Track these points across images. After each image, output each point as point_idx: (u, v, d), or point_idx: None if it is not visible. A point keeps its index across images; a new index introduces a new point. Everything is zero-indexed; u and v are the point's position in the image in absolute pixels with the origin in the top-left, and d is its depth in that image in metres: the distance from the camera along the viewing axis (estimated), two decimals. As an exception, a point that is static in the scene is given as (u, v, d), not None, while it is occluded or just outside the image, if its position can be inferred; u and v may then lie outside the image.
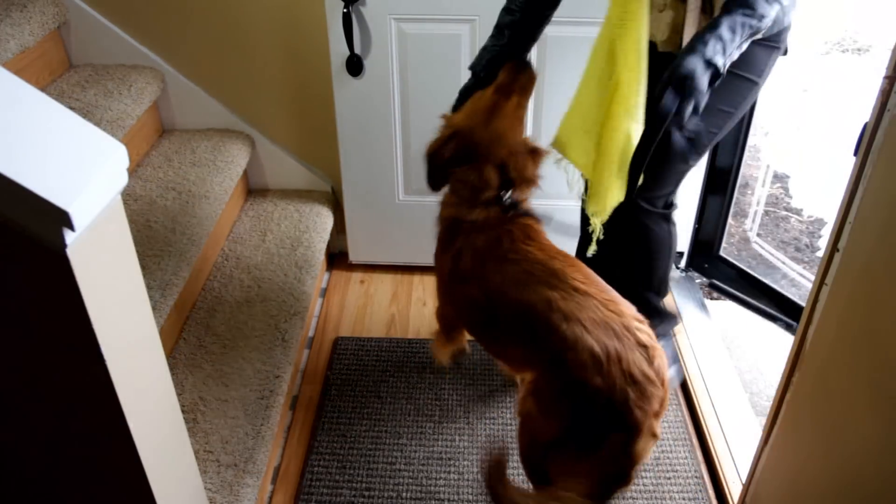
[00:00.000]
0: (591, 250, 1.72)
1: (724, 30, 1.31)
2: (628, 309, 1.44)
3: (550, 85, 2.20)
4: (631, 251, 1.88)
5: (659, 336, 1.83)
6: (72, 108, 1.89)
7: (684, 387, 2.14)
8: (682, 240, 2.57)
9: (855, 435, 1.13)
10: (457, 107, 1.72)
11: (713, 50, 1.29)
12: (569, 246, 1.78)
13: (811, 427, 1.29)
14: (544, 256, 1.50)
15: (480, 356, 2.21)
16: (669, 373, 1.47)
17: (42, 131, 0.95)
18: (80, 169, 0.92)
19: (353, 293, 2.53)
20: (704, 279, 2.50)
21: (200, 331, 2.01)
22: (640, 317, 1.44)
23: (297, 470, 1.89)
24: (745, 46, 1.35)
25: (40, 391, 1.07)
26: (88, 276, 0.93)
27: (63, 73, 2.32)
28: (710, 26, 1.33)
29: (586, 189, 1.65)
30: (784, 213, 2.98)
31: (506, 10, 1.67)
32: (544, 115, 2.25)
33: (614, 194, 1.51)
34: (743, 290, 2.43)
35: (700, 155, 1.71)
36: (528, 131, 2.25)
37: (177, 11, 2.29)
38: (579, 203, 1.88)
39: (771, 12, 1.35)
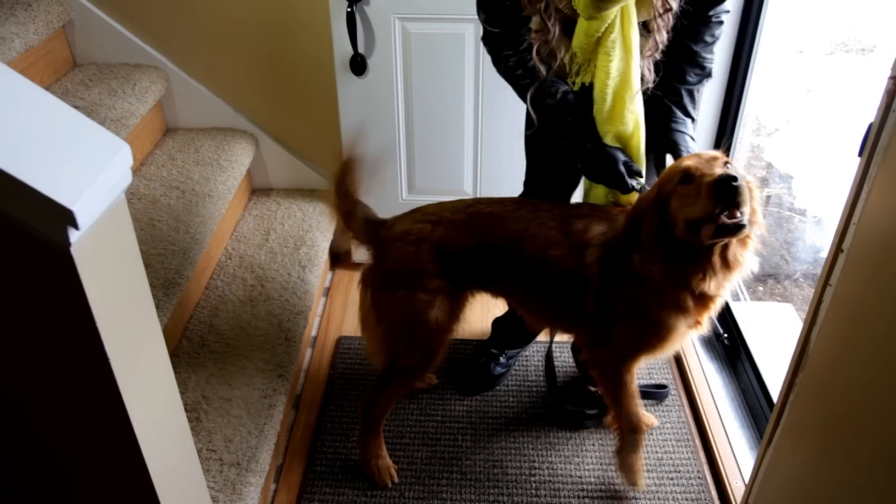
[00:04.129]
0: None
1: (691, 108, 1.60)
2: None
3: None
4: None
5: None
6: (76, 107, 1.90)
7: (687, 387, 2.14)
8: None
9: (860, 437, 1.13)
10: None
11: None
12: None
13: (815, 428, 1.29)
14: None
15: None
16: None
17: (46, 130, 0.95)
18: (85, 167, 0.92)
19: (356, 292, 2.51)
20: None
21: (203, 329, 2.01)
22: None
23: (299, 469, 1.89)
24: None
25: (43, 389, 1.07)
26: (92, 274, 0.94)
27: (67, 71, 2.32)
28: (678, 105, 1.59)
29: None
30: (788, 213, 2.97)
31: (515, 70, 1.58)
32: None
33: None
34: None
35: None
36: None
37: (181, 11, 2.30)
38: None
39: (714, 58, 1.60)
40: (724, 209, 1.32)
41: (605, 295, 1.56)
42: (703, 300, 1.51)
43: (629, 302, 1.55)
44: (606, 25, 1.43)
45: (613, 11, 1.42)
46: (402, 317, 1.67)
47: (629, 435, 1.74)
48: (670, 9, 1.45)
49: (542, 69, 1.55)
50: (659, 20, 1.46)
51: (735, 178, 1.30)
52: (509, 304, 1.93)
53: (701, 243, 1.39)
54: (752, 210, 1.41)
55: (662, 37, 1.49)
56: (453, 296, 1.67)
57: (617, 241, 1.53)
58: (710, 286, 1.45)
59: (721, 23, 1.58)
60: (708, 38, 1.57)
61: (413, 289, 1.63)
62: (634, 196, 1.62)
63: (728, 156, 1.45)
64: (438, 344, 1.70)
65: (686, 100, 1.60)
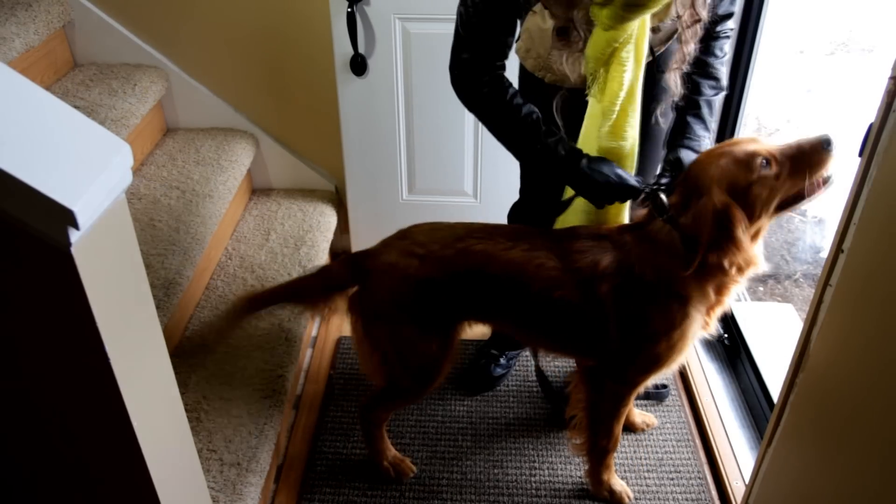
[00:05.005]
0: None
1: (710, 120, 1.60)
2: None
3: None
4: None
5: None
6: (76, 107, 1.90)
7: (687, 387, 2.14)
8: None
9: (860, 438, 1.13)
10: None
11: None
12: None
13: (815, 429, 1.29)
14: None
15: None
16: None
17: (47, 130, 0.95)
18: (85, 168, 0.92)
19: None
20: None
21: (204, 330, 2.01)
22: None
23: (300, 469, 1.89)
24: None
25: (44, 389, 1.07)
26: (93, 274, 0.94)
27: (68, 72, 2.32)
28: (697, 118, 1.58)
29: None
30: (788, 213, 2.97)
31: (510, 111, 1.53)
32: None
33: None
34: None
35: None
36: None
37: (181, 10, 2.30)
38: None
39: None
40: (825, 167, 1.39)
41: (628, 321, 1.52)
42: (719, 292, 1.52)
43: (658, 318, 1.51)
44: (625, 36, 1.43)
45: (635, 22, 1.41)
46: (396, 347, 1.63)
47: (601, 458, 1.74)
48: (699, 20, 1.44)
49: (515, 95, 1.53)
50: (688, 31, 1.46)
51: (830, 137, 1.38)
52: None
53: (778, 216, 1.45)
54: None
55: (690, 48, 1.49)
56: (444, 328, 1.63)
57: (631, 266, 1.49)
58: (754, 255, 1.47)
59: (728, 37, 1.60)
60: (718, 53, 1.59)
61: (403, 322, 1.59)
62: (621, 214, 1.61)
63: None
64: (435, 372, 1.66)
65: (705, 111, 1.61)
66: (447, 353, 1.65)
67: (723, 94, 1.63)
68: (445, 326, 1.63)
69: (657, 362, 1.56)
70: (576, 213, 1.65)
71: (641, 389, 1.67)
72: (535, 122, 1.51)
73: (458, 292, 1.57)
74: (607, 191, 1.51)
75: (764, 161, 1.40)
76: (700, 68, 1.59)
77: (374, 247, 1.66)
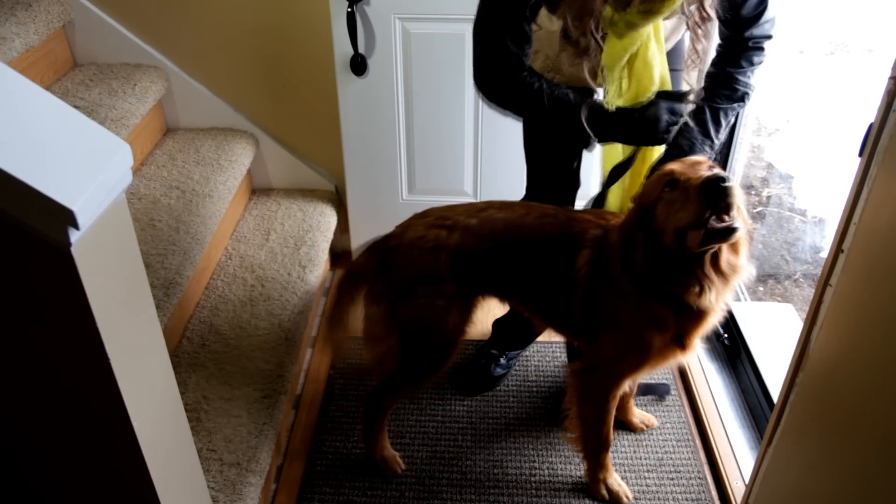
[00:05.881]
0: None
1: (712, 130, 1.54)
2: None
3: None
4: None
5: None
6: (76, 107, 1.90)
7: (687, 387, 2.14)
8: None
9: (861, 437, 1.13)
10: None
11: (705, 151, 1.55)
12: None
13: (815, 429, 1.29)
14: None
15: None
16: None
17: (47, 130, 0.95)
18: (85, 168, 0.92)
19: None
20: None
21: (204, 329, 2.01)
22: None
23: (299, 469, 1.89)
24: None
25: (44, 389, 1.07)
26: (93, 274, 0.94)
27: (68, 71, 2.32)
28: (700, 125, 1.53)
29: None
30: (788, 213, 2.97)
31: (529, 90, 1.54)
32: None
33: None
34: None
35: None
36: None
37: (181, 10, 2.30)
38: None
39: (753, 83, 1.55)
40: (713, 213, 1.28)
41: (591, 300, 1.55)
42: (694, 318, 1.46)
43: (611, 309, 1.53)
44: (640, 42, 1.43)
45: (648, 28, 1.42)
46: (421, 323, 1.65)
47: (595, 456, 1.75)
48: (709, 18, 1.44)
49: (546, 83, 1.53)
50: (699, 30, 1.46)
51: (724, 179, 1.26)
52: (515, 309, 1.92)
53: (691, 253, 1.34)
54: (739, 211, 1.35)
55: (703, 45, 1.49)
56: (466, 300, 1.67)
57: (606, 244, 1.52)
58: (708, 299, 1.39)
59: (761, 49, 1.53)
60: (744, 63, 1.53)
61: (432, 295, 1.62)
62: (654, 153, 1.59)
63: (713, 160, 1.44)
64: (453, 348, 1.69)
65: (708, 118, 1.54)
66: (466, 326, 1.69)
67: (739, 104, 1.56)
68: (468, 299, 1.67)
69: (619, 356, 1.57)
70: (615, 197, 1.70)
71: (619, 393, 1.67)
72: (574, 100, 1.51)
73: (482, 260, 1.61)
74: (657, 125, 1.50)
75: (672, 183, 1.35)
76: (718, 76, 1.55)
77: (393, 230, 1.69)
